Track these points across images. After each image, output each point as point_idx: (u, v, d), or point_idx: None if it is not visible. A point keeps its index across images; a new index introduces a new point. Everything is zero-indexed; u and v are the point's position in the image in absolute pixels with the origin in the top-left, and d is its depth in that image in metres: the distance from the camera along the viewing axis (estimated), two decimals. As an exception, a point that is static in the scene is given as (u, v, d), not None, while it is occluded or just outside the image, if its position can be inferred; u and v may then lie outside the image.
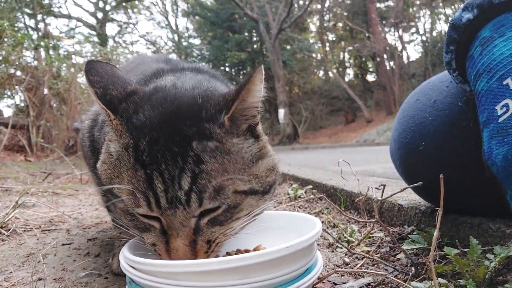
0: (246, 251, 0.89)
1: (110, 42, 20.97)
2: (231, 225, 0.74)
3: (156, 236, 0.72)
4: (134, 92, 0.75)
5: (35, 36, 8.47)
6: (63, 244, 1.41)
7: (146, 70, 1.01)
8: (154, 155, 0.67)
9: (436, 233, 0.76)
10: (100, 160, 0.79)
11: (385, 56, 20.84)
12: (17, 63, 5.59)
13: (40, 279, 1.02)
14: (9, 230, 1.57)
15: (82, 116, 1.19)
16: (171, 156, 0.66)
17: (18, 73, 5.86)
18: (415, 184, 0.96)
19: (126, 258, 0.70)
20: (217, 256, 0.87)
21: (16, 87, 5.90)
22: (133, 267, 0.68)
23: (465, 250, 0.83)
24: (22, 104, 6.42)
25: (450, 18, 0.88)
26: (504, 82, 0.74)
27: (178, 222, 0.68)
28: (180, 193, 0.65)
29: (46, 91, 6.02)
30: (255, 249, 0.88)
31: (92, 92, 0.73)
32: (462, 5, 0.86)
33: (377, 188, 1.18)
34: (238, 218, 0.74)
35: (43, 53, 6.75)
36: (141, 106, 0.73)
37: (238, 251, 0.89)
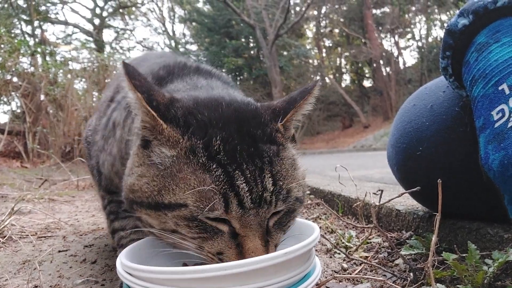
0: (244, 257, 0.88)
1: (107, 48, 20.94)
2: (286, 231, 0.75)
3: (224, 242, 0.67)
4: (174, 98, 0.72)
5: (31, 42, 8.46)
6: (59, 251, 1.40)
7: (153, 69, 0.97)
8: (231, 154, 0.65)
9: (434, 238, 0.76)
10: (131, 177, 0.72)
11: (381, 62, 20.96)
12: (13, 69, 5.59)
13: (36, 287, 1.01)
14: (5, 237, 1.55)
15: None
16: (248, 156, 0.65)
17: (15, 79, 5.86)
18: (413, 189, 0.96)
19: (123, 264, 0.69)
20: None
21: (13, 93, 5.89)
22: (130, 274, 0.68)
23: (464, 255, 0.83)
24: (19, 110, 6.40)
25: (445, 24, 0.89)
26: (500, 88, 0.75)
27: (257, 222, 0.66)
28: (266, 194, 0.65)
29: (42, 97, 6.01)
30: (253, 255, 0.88)
31: (137, 98, 0.67)
32: (457, 11, 0.86)
33: (374, 194, 1.17)
34: (290, 225, 0.75)
35: (39, 59, 6.74)
36: (192, 109, 0.69)
37: (236, 257, 0.89)
